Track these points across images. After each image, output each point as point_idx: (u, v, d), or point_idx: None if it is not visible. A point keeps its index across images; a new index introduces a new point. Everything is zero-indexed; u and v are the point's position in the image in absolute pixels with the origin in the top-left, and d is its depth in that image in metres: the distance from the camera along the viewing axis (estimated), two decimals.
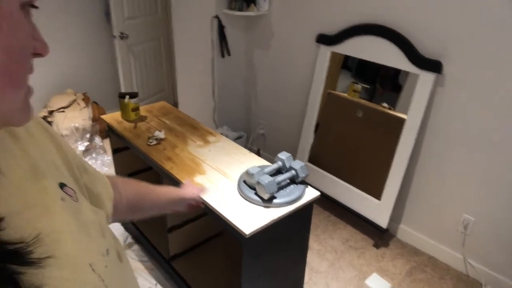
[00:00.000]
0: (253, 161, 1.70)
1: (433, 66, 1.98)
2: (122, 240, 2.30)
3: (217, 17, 2.76)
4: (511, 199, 1.92)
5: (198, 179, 1.56)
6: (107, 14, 3.34)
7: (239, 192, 1.48)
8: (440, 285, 2.11)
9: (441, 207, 2.21)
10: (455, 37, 1.91)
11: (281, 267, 1.59)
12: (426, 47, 2.02)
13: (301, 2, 2.55)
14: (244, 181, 1.51)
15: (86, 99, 3.35)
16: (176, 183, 1.58)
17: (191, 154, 1.74)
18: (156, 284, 2.01)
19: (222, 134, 2.89)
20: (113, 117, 2.06)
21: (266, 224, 1.34)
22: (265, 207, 1.41)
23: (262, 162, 1.70)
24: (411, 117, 2.12)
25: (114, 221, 0.71)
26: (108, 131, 2.09)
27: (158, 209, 0.95)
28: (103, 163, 3.08)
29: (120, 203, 0.76)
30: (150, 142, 1.80)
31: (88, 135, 3.16)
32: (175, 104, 3.77)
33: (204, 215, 1.97)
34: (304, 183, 1.55)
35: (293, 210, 1.42)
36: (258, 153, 3.23)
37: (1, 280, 0.32)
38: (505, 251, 2.01)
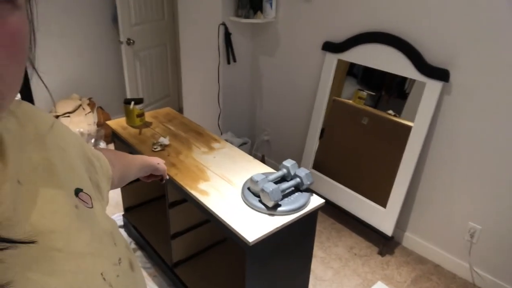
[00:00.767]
0: (257, 168, 1.69)
1: (441, 74, 1.97)
2: None
3: (223, 24, 2.77)
4: None
5: (203, 185, 1.55)
6: (114, 19, 3.37)
7: (243, 199, 1.48)
8: None
9: (447, 215, 2.18)
10: (462, 45, 1.91)
11: (285, 275, 1.58)
12: (434, 56, 2.02)
13: (307, 9, 2.56)
14: (249, 188, 1.51)
15: (91, 104, 3.37)
16: (179, 189, 1.58)
17: (196, 161, 1.74)
18: None
19: (226, 140, 2.89)
20: (118, 123, 2.07)
21: (270, 232, 1.33)
22: (269, 214, 1.40)
23: (266, 169, 1.69)
24: (418, 125, 2.11)
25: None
26: (113, 137, 2.10)
27: (134, 177, 1.00)
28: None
29: (113, 178, 0.76)
30: (155, 148, 1.80)
31: (93, 140, 3.17)
32: (180, 110, 3.79)
33: (207, 221, 1.96)
34: (309, 190, 1.54)
35: (297, 218, 1.41)
36: (262, 160, 3.23)
37: None
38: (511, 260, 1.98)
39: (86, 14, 3.38)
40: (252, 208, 1.43)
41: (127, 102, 2.01)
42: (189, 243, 1.95)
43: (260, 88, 3.10)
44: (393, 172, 2.23)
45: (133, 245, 2.31)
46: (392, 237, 2.30)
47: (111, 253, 0.46)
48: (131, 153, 2.14)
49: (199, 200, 1.47)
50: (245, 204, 1.45)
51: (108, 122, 2.09)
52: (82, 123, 3.15)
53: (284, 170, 1.57)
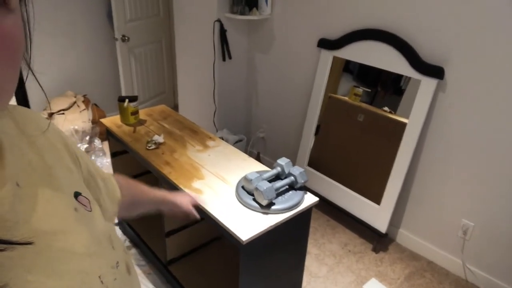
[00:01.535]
0: (252, 167, 1.70)
1: (435, 72, 1.98)
2: None
3: (219, 20, 2.76)
4: (511, 204, 1.91)
5: (197, 184, 1.55)
6: (109, 16, 3.35)
7: (237, 198, 1.48)
8: None
9: (441, 212, 2.20)
10: (457, 43, 1.91)
11: (279, 272, 1.59)
12: (428, 53, 2.02)
13: (303, 6, 2.55)
14: (243, 187, 1.51)
15: (86, 101, 3.35)
16: (174, 188, 1.58)
17: (190, 159, 1.73)
18: None
19: (222, 137, 2.89)
20: (112, 121, 2.06)
21: (264, 231, 1.33)
22: (263, 213, 1.41)
23: (261, 167, 1.69)
24: (412, 122, 2.11)
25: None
26: (107, 135, 2.09)
27: (145, 209, 0.98)
28: (102, 165, 3.09)
29: (122, 204, 0.76)
30: (149, 147, 1.80)
31: (87, 137, 3.16)
32: (176, 107, 3.78)
33: (201, 220, 1.96)
34: (303, 189, 1.55)
35: (291, 216, 1.42)
36: (258, 157, 3.23)
37: None
38: (504, 257, 2.00)
39: (80, 10, 3.35)
40: (246, 207, 1.43)
41: (122, 99, 2.00)
42: (184, 241, 1.96)
43: (256, 85, 3.10)
44: (388, 169, 2.24)
45: (127, 243, 2.31)
46: (386, 234, 2.31)
47: (109, 257, 0.47)
48: (124, 151, 2.14)
49: None
50: (239, 203, 1.46)
51: (102, 120, 2.08)
52: (77, 120, 3.14)
53: (279, 169, 1.58)
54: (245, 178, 1.48)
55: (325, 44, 2.47)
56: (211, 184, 1.56)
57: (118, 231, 2.39)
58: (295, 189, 1.54)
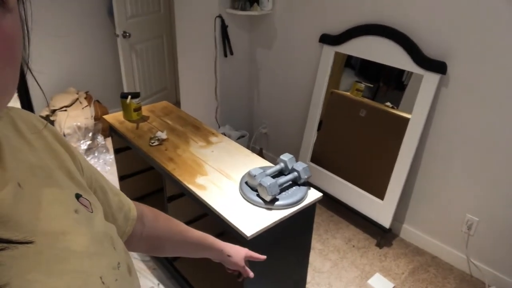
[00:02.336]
0: (255, 162, 1.69)
1: (438, 67, 1.97)
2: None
3: (220, 16, 2.74)
4: None
5: (200, 180, 1.55)
6: (110, 12, 3.34)
7: (241, 194, 1.48)
8: (443, 285, 2.10)
9: (445, 207, 2.19)
10: (460, 38, 1.90)
11: (283, 268, 1.59)
12: (431, 48, 2.01)
13: (305, 1, 2.53)
14: (246, 183, 1.51)
15: (88, 98, 3.35)
16: (178, 184, 1.57)
17: (193, 155, 1.73)
18: (158, 284, 2.01)
19: (224, 133, 2.88)
20: (115, 117, 2.06)
21: (268, 226, 1.33)
22: (267, 209, 1.40)
23: (264, 163, 1.69)
24: (415, 117, 2.10)
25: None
26: (110, 131, 2.09)
27: (188, 250, 0.84)
28: (105, 162, 3.09)
29: (140, 235, 0.71)
30: (152, 143, 1.80)
31: (90, 134, 3.16)
32: (178, 103, 3.78)
33: (205, 215, 1.97)
34: (307, 184, 1.54)
35: (295, 211, 1.42)
36: (260, 153, 3.23)
37: None
38: (509, 251, 1.99)
39: (81, 7, 3.35)
40: (250, 203, 1.43)
41: (124, 96, 2.00)
42: None
43: (258, 81, 3.09)
44: (391, 164, 2.23)
45: None
46: (390, 229, 2.31)
47: (111, 257, 0.47)
48: (128, 148, 2.14)
49: (197, 194, 1.47)
50: (243, 199, 1.46)
51: (105, 117, 2.08)
52: (79, 117, 3.14)
53: (282, 164, 1.57)
54: (248, 174, 1.48)
55: (327, 39, 2.45)
56: (215, 180, 1.56)
57: None
58: (299, 185, 1.53)
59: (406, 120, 2.15)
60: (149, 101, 3.71)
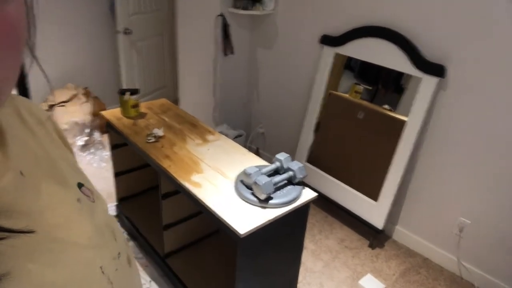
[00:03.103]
0: (251, 161, 1.71)
1: (436, 70, 1.99)
2: None
3: (221, 15, 2.76)
4: (507, 203, 1.93)
5: (196, 177, 1.57)
6: (112, 8, 3.35)
7: (236, 192, 1.49)
8: (433, 287, 2.12)
9: (437, 209, 2.22)
10: (459, 41, 1.92)
11: (275, 267, 1.61)
12: (430, 51, 2.03)
13: (306, 2, 2.55)
14: (242, 181, 1.52)
15: (87, 94, 3.35)
16: (173, 181, 1.59)
17: (190, 153, 1.75)
18: (150, 281, 2.02)
19: (221, 132, 2.90)
20: (112, 113, 2.07)
21: (261, 225, 1.35)
22: (261, 207, 1.42)
23: (260, 162, 1.71)
24: (412, 119, 2.13)
25: None
26: (107, 127, 2.10)
27: None
28: (101, 158, 3.10)
29: None
30: (149, 140, 1.81)
31: (87, 130, 3.17)
32: (176, 101, 3.78)
33: (200, 213, 1.98)
34: (302, 184, 1.56)
35: (289, 210, 1.43)
36: (257, 152, 3.24)
37: None
38: (499, 254, 2.02)
39: (82, 2, 3.35)
40: (245, 201, 1.45)
41: (122, 92, 2.01)
42: (181, 234, 1.97)
43: (257, 81, 3.11)
44: (386, 166, 2.26)
45: (125, 235, 2.33)
46: (382, 231, 2.33)
47: (111, 248, 0.47)
48: (124, 144, 2.15)
49: (191, 192, 1.48)
50: (237, 197, 1.47)
51: (103, 112, 2.09)
52: (77, 112, 3.15)
53: (277, 163, 1.59)
54: (244, 172, 1.49)
55: (327, 40, 2.47)
56: (210, 178, 1.57)
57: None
58: (294, 184, 1.55)
59: (403, 123, 2.17)
60: (148, 99, 3.72)
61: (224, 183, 1.54)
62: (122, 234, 0.53)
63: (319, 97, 2.58)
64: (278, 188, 1.51)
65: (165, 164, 1.64)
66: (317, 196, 1.55)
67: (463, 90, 1.96)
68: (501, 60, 1.80)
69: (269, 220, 1.37)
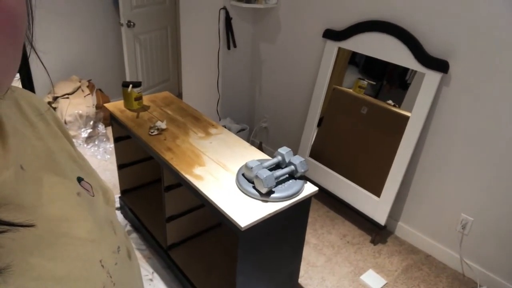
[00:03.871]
0: (253, 155, 1.71)
1: (440, 65, 1.97)
2: None
3: (224, 8, 2.74)
4: (511, 200, 1.92)
5: (198, 170, 1.57)
6: (115, 1, 3.34)
7: (237, 185, 1.49)
8: (435, 284, 2.12)
9: (440, 206, 2.21)
10: (463, 37, 1.90)
11: (276, 260, 1.61)
12: (434, 46, 2.01)
13: None
14: (243, 175, 1.52)
15: (90, 86, 3.36)
16: (175, 174, 1.59)
17: (192, 146, 1.75)
18: (153, 273, 2.04)
19: (225, 126, 2.90)
20: (116, 106, 2.07)
21: (262, 218, 1.35)
22: (262, 201, 1.42)
23: (262, 156, 1.70)
24: (415, 115, 2.11)
25: None
26: (110, 120, 2.11)
27: None
28: (105, 150, 3.11)
29: None
30: (152, 132, 1.81)
31: (91, 122, 3.18)
32: (180, 95, 3.78)
33: (202, 206, 1.98)
34: (303, 178, 1.56)
35: (290, 204, 1.43)
36: (260, 146, 3.24)
37: None
38: (502, 252, 2.01)
39: None
40: (246, 194, 1.45)
41: (125, 85, 2.01)
42: (184, 227, 1.98)
43: (260, 75, 3.10)
44: (389, 162, 2.25)
45: (128, 227, 2.34)
46: (385, 226, 2.33)
47: (111, 241, 0.47)
48: (127, 136, 2.16)
49: (193, 184, 1.48)
50: (239, 190, 1.47)
51: (106, 105, 2.09)
52: (81, 105, 3.15)
53: (279, 157, 1.59)
54: (245, 166, 1.49)
55: (331, 35, 2.46)
56: (212, 171, 1.57)
57: (119, 215, 2.42)
58: (295, 178, 1.54)
59: (406, 118, 2.15)
60: (151, 92, 3.72)
61: (226, 177, 1.54)
62: (122, 227, 0.53)
63: (322, 91, 2.57)
64: (279, 182, 1.51)
65: (168, 156, 1.64)
66: (319, 190, 1.54)
67: (466, 86, 1.94)
68: (504, 56, 1.77)
69: (270, 214, 1.37)
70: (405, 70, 2.19)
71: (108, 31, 3.59)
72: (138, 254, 2.15)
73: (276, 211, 1.39)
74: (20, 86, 3.04)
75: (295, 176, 1.55)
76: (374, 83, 2.38)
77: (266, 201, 1.42)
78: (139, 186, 2.43)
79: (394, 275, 2.16)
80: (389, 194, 2.26)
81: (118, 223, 0.53)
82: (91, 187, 0.49)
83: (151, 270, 2.05)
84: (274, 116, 3.10)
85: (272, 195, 1.42)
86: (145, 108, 2.07)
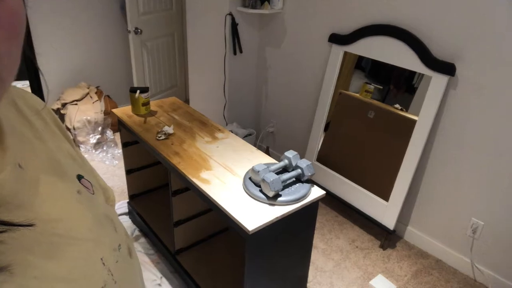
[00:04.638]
0: (260, 159, 1.70)
1: (446, 68, 1.96)
2: (129, 232, 2.34)
3: (230, 14, 2.76)
4: None
5: (205, 174, 1.57)
6: (123, 8, 3.38)
7: (244, 189, 1.49)
8: None
9: (450, 210, 2.18)
10: (469, 39, 1.88)
11: (284, 265, 1.60)
12: (440, 49, 2.00)
13: (315, 1, 2.54)
14: (250, 178, 1.52)
15: (99, 93, 3.39)
16: (182, 178, 1.59)
17: (199, 150, 1.75)
18: (161, 277, 2.03)
19: (231, 131, 2.90)
20: (123, 111, 2.09)
21: (269, 222, 1.34)
22: (269, 204, 1.42)
23: (269, 160, 1.70)
24: (422, 119, 2.10)
25: None
26: (118, 125, 2.12)
27: None
28: (113, 156, 3.13)
29: None
30: (159, 137, 1.82)
31: (100, 128, 3.21)
32: (187, 100, 3.81)
33: (209, 210, 1.98)
34: (310, 182, 1.55)
35: (297, 208, 1.43)
36: (267, 151, 3.24)
37: None
38: None
39: (94, 2, 3.39)
40: (253, 198, 1.44)
41: (133, 90, 2.03)
42: (192, 231, 1.98)
43: (266, 80, 3.10)
44: (397, 166, 2.23)
45: (137, 232, 2.34)
46: (394, 231, 2.30)
47: (112, 239, 0.47)
48: (135, 141, 2.17)
49: (201, 188, 1.48)
50: (246, 194, 1.47)
51: (114, 110, 2.11)
52: (90, 111, 3.19)
53: (286, 161, 1.58)
54: (252, 170, 1.49)
55: (336, 39, 2.46)
56: (219, 175, 1.57)
57: (128, 220, 2.43)
58: (302, 182, 1.54)
59: (414, 122, 2.14)
60: (158, 98, 3.74)
61: (233, 180, 1.54)
62: (122, 225, 0.53)
63: (328, 96, 2.57)
64: (286, 186, 1.50)
65: (175, 161, 1.65)
66: (327, 195, 1.54)
67: (474, 88, 1.92)
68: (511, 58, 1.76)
69: (277, 217, 1.36)
70: (412, 74, 2.18)
71: (116, 38, 3.63)
72: (146, 259, 2.16)
73: (283, 214, 1.38)
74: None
75: (302, 179, 1.54)
76: (381, 87, 2.37)
77: (273, 205, 1.41)
78: (147, 191, 2.44)
79: (404, 280, 2.13)
80: (398, 198, 2.24)
81: (119, 221, 0.53)
82: (91, 185, 0.49)
83: (159, 274, 2.05)
84: (281, 121, 3.10)
85: (279, 199, 1.42)
86: (152, 113, 2.08)
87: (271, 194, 1.40)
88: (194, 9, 3.07)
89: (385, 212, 2.31)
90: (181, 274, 1.98)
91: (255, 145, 3.19)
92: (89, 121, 3.14)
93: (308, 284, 2.05)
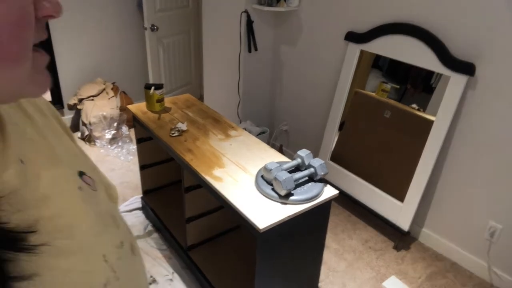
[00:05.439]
0: (273, 157, 1.70)
1: (465, 68, 1.91)
2: (142, 228, 2.36)
3: (246, 11, 2.75)
4: None
5: (217, 172, 1.57)
6: (140, 5, 3.41)
7: (256, 187, 1.48)
8: None
9: (466, 212, 2.13)
10: (489, 38, 1.83)
11: (296, 264, 1.59)
12: (459, 48, 1.95)
13: None
14: (262, 177, 1.51)
15: (115, 89, 3.43)
16: (195, 175, 1.60)
17: (212, 147, 1.75)
18: (173, 273, 2.05)
19: (245, 128, 2.90)
20: (138, 107, 2.11)
21: (281, 220, 1.34)
22: (281, 203, 1.41)
23: (282, 158, 1.69)
24: (440, 119, 2.05)
25: None
26: (133, 121, 2.14)
27: None
28: (128, 151, 3.16)
29: None
30: (172, 134, 1.83)
31: (115, 124, 3.24)
32: (201, 97, 3.82)
33: (221, 207, 1.99)
34: (323, 181, 1.53)
35: (310, 207, 1.41)
36: (280, 150, 3.22)
37: None
38: None
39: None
40: (265, 196, 1.44)
41: (148, 87, 2.04)
42: (204, 228, 1.99)
43: (281, 78, 3.09)
44: (413, 166, 2.19)
45: (150, 227, 2.37)
46: (408, 232, 2.27)
47: (114, 236, 0.47)
48: (149, 138, 2.19)
49: (213, 186, 1.49)
50: (258, 192, 1.46)
51: (129, 106, 2.13)
52: (105, 107, 3.23)
53: (299, 160, 1.57)
54: (264, 168, 1.48)
55: (353, 37, 2.42)
56: (231, 172, 1.57)
57: (141, 215, 2.45)
58: (315, 181, 1.53)
59: (431, 123, 2.10)
60: (173, 95, 3.76)
61: (245, 178, 1.54)
62: (125, 222, 0.53)
63: (343, 95, 2.54)
64: (299, 185, 1.49)
65: (188, 157, 1.65)
66: (340, 195, 1.52)
67: (494, 89, 1.87)
68: None
69: (289, 216, 1.35)
70: (429, 73, 2.14)
71: (132, 35, 3.67)
72: (158, 254, 2.18)
73: (295, 213, 1.37)
74: (48, 90, 3.14)
75: (315, 178, 1.53)
76: (398, 86, 2.33)
77: (285, 204, 1.40)
78: (160, 187, 2.46)
79: (418, 282, 2.10)
80: (413, 199, 2.20)
81: (121, 218, 0.52)
82: (93, 181, 0.49)
83: (171, 270, 2.07)
84: (295, 119, 3.08)
85: (291, 198, 1.41)
86: (166, 110, 2.09)
87: (283, 192, 1.39)
88: (210, 6, 3.07)
89: (400, 213, 2.27)
90: (192, 270, 2.00)
91: (268, 143, 3.18)
92: (105, 117, 3.18)
93: (320, 284, 2.04)
